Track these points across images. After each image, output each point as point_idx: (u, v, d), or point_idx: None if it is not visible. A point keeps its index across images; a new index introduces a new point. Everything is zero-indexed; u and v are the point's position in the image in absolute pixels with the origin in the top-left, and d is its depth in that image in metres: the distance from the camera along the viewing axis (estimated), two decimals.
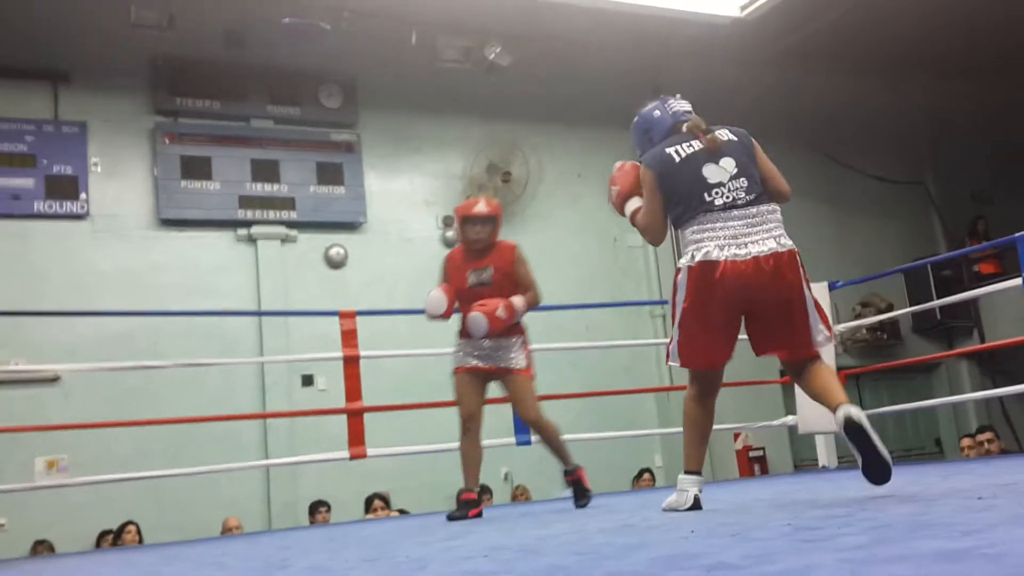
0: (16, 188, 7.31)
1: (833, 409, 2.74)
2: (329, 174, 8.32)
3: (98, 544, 6.76)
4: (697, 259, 2.81)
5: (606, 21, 8.55)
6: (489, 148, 8.85)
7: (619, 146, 9.70)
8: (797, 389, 4.49)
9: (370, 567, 2.20)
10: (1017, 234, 5.13)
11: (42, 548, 6.59)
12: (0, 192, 7.25)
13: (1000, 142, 10.74)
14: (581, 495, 4.10)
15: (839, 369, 5.97)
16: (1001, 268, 9.98)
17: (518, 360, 4.02)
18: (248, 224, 7.99)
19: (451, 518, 3.89)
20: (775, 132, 10.46)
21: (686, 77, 8.51)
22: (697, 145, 2.95)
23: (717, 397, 3.04)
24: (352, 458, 5.10)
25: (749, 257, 2.77)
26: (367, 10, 7.95)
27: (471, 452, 4.04)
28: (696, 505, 2.92)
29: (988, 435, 6.84)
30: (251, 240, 8.00)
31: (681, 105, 3.15)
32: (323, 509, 7.05)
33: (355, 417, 5.11)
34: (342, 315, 5.24)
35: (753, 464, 8.73)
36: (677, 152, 2.96)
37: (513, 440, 5.33)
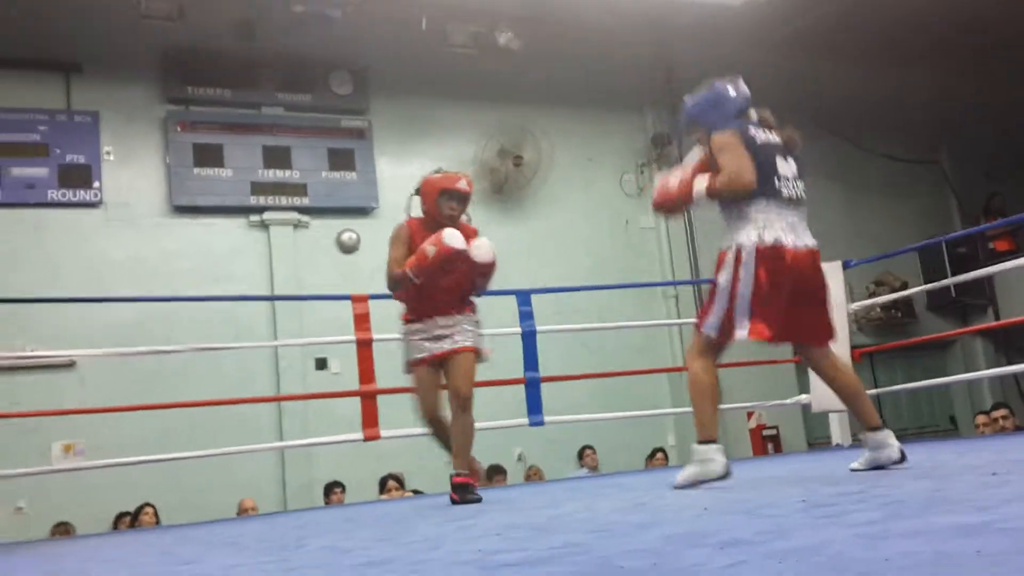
0: (30, 177, 7.35)
1: (874, 428, 3.01)
2: (340, 160, 8.32)
3: (115, 526, 6.83)
4: (768, 241, 2.94)
5: (616, 4, 8.51)
6: (500, 133, 8.83)
7: (629, 129, 9.72)
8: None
9: (385, 546, 2.21)
10: None
11: (61, 530, 6.67)
12: (14, 181, 7.30)
13: (1015, 119, 10.63)
14: (466, 492, 3.72)
15: (853, 348, 5.96)
16: (1016, 245, 9.92)
17: (463, 340, 3.85)
18: (260, 210, 8.01)
19: (466, 501, 3.67)
20: (787, 114, 10.34)
21: (696, 60, 8.47)
22: (774, 137, 3.15)
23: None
24: (366, 439, 5.12)
25: (806, 249, 3.01)
26: None
27: (468, 430, 3.81)
28: (727, 472, 2.93)
29: (1003, 412, 6.83)
30: (263, 226, 8.03)
31: (747, 90, 3.26)
32: (338, 490, 7.10)
33: (368, 399, 5.12)
34: (354, 299, 5.24)
35: (767, 443, 8.74)
36: (757, 136, 3.11)
37: (526, 421, 5.33)
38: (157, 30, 7.78)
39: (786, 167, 3.09)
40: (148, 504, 6.79)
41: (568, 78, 9.16)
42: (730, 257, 2.98)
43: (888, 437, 2.98)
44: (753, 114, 3.19)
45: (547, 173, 8.99)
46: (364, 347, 5.16)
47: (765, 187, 3.00)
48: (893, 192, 10.57)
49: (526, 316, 5.44)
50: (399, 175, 8.61)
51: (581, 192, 9.27)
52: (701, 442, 3.00)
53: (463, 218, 4.02)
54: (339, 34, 8.01)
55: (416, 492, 6.98)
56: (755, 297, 2.92)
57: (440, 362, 3.89)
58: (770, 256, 2.92)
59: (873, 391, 7.27)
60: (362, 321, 5.18)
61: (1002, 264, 7.00)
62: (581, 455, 8.16)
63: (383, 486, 6.97)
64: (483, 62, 8.78)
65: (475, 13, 8.54)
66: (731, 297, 2.94)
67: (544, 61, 8.95)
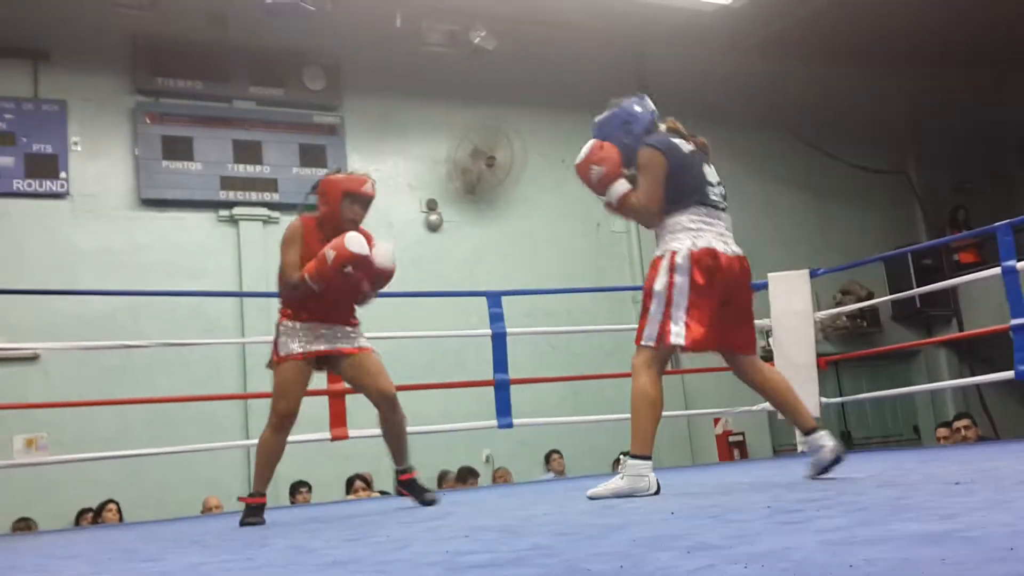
0: None
1: (809, 431, 3.01)
2: (312, 156, 8.27)
3: (78, 522, 6.75)
4: (701, 246, 2.95)
5: (591, 6, 8.53)
6: (473, 132, 8.82)
7: None
8: None
9: (351, 546, 2.20)
10: (997, 223, 5.17)
11: (22, 526, 6.58)
12: None
13: (982, 132, 10.80)
14: (422, 492, 3.75)
15: (819, 356, 6.02)
16: (980, 257, 10.06)
17: (364, 342, 3.78)
18: (230, 205, 7.94)
19: (244, 524, 3.53)
20: (758, 120, 10.57)
21: (670, 64, 8.53)
22: (690, 146, 3.14)
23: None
24: (333, 439, 5.10)
25: (735, 256, 3.03)
26: None
27: (278, 451, 3.80)
28: (658, 489, 2.91)
29: (965, 422, 6.90)
30: (233, 221, 7.96)
31: (652, 106, 3.27)
32: (304, 490, 7.05)
33: (336, 398, 5.10)
34: None
35: (733, 449, 8.79)
36: (683, 146, 3.11)
37: (495, 423, 5.33)
38: (128, 18, 7.69)
39: (712, 174, 3.13)
40: (112, 501, 6.71)
41: (542, 79, 9.18)
42: (664, 263, 2.97)
43: (822, 438, 2.96)
44: (662, 127, 3.18)
45: (520, 174, 9.00)
46: None
47: (696, 197, 3.03)
48: (861, 201, 10.69)
49: (496, 318, 5.44)
50: (371, 173, 8.59)
51: (554, 194, 9.27)
52: (635, 456, 2.94)
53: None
54: (313, 29, 7.97)
55: (383, 493, 6.94)
56: (691, 300, 2.91)
57: (325, 361, 3.78)
58: (705, 259, 2.93)
59: (838, 399, 7.36)
60: None
61: (966, 276, 7.11)
62: (548, 459, 8.16)
63: (350, 486, 6.94)
64: (457, 61, 8.78)
65: (450, 12, 8.53)
66: (667, 303, 2.93)
67: (519, 61, 8.96)
